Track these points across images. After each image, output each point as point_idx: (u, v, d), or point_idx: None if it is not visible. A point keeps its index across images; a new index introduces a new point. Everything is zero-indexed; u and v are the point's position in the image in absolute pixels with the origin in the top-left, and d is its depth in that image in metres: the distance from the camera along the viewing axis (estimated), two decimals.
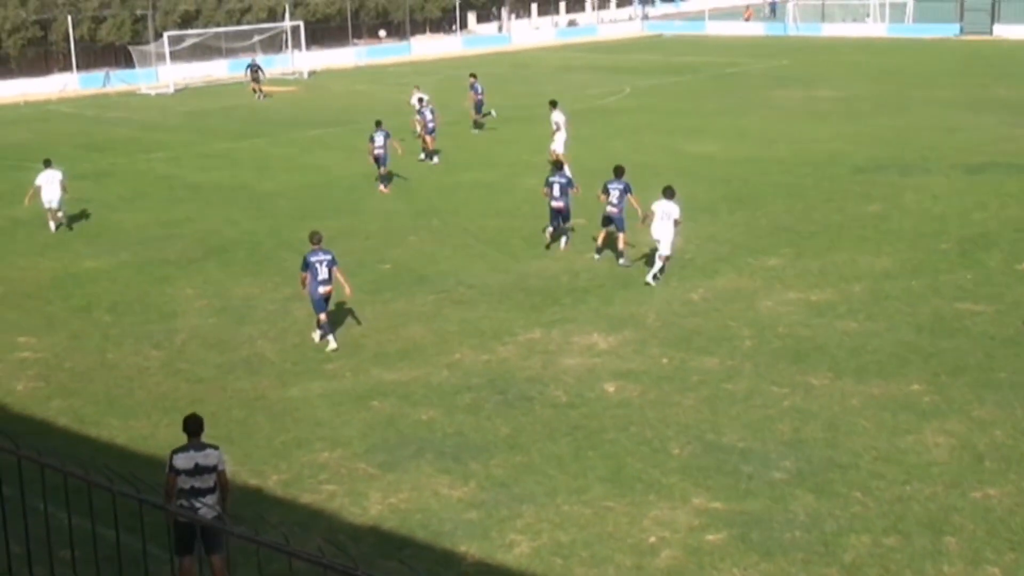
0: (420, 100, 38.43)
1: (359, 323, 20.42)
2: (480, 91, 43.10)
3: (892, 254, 23.75)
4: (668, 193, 22.44)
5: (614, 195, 23.41)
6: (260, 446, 15.45)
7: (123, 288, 23.34)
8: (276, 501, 13.88)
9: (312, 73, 68.72)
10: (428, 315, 20.93)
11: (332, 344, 19.26)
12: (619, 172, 23.89)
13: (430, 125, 36.84)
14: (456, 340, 19.44)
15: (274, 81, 63.84)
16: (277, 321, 20.71)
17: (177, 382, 18.00)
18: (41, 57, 72.07)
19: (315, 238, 19.51)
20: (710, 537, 12.61)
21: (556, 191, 24.72)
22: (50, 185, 28.83)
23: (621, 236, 23.61)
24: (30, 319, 21.52)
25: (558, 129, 33.23)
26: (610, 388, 17.08)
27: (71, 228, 29.07)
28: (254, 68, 58.10)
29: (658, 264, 22.33)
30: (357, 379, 17.84)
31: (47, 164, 29.37)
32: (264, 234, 27.50)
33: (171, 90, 61.66)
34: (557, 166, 26.13)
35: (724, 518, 13.00)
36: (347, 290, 19.58)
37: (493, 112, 42.80)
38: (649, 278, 22.21)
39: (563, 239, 25.29)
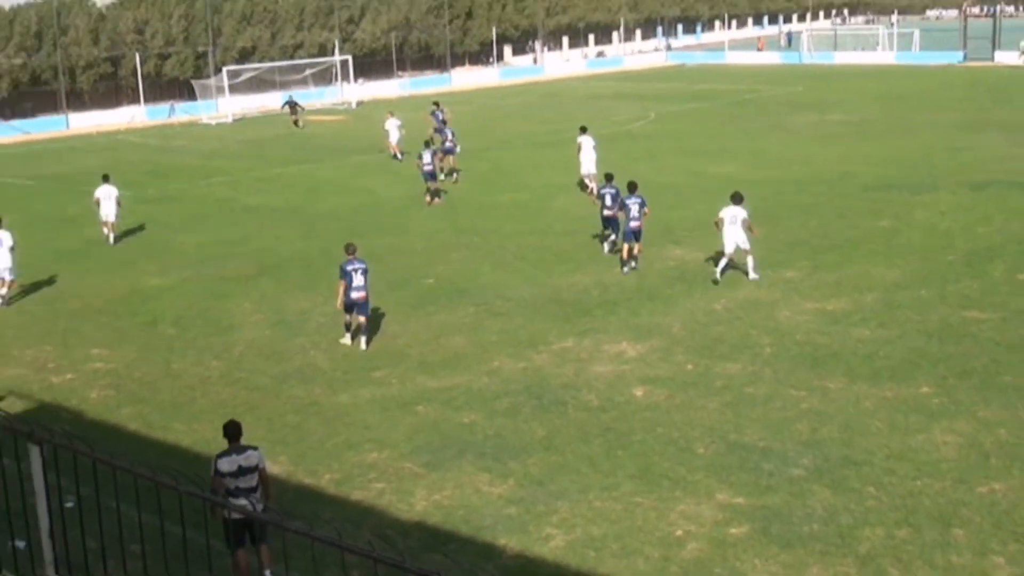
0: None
1: (378, 328, 20.48)
2: (440, 118, 42.48)
3: (902, 266, 23.58)
4: (736, 199, 22.76)
5: (634, 209, 23.80)
6: (313, 448, 15.51)
7: (186, 303, 23.51)
8: (329, 499, 13.92)
9: (360, 103, 69.11)
10: (469, 326, 20.95)
11: (348, 340, 19.82)
12: (633, 188, 24.36)
13: (448, 145, 37.22)
14: (495, 349, 19.45)
15: (324, 111, 64.24)
16: (328, 333, 20.78)
17: (236, 390, 18.09)
18: (112, 91, 72.99)
19: (350, 248, 19.92)
20: (733, 530, 12.54)
21: (608, 200, 25.30)
22: (107, 200, 29.25)
23: (637, 245, 24.00)
24: (102, 332, 21.71)
25: (580, 151, 33.34)
26: (638, 392, 17.03)
27: (117, 242, 29.53)
28: (292, 104, 59.27)
29: (723, 263, 22.73)
30: (403, 386, 17.87)
31: (105, 179, 29.80)
32: (315, 252, 27.61)
33: (230, 120, 62.30)
34: (608, 179, 26.28)
35: (746, 512, 12.93)
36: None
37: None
38: (718, 275, 22.68)
39: (611, 238, 25.67)
